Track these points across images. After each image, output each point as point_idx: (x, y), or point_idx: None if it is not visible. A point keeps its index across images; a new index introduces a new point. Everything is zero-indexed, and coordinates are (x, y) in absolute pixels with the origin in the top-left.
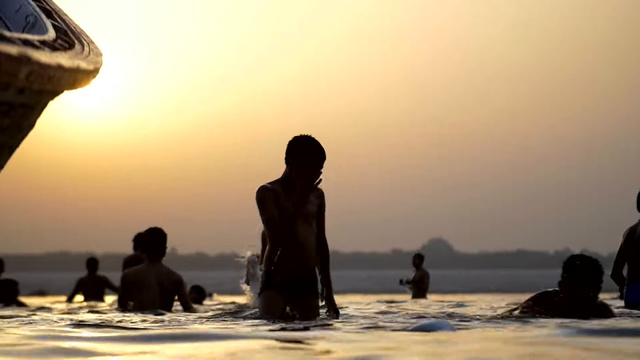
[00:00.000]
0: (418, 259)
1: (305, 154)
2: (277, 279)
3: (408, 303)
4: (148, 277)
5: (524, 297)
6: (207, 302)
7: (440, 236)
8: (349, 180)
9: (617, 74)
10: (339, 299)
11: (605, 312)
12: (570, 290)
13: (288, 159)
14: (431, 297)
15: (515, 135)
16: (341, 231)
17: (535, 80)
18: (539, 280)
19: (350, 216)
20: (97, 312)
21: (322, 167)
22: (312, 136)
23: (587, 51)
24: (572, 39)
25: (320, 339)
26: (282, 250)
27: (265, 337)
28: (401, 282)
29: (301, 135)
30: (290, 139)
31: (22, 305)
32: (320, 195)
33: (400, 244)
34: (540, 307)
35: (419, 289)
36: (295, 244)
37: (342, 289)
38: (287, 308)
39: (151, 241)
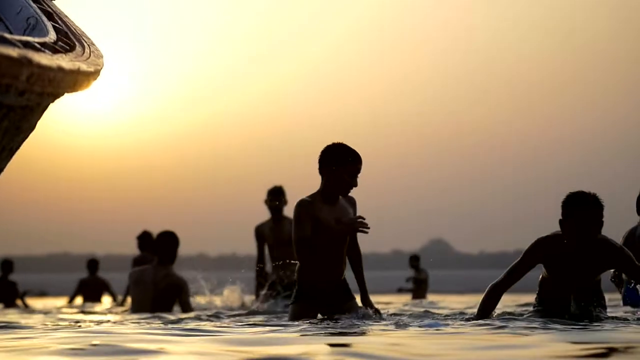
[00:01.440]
0: (415, 260)
1: (345, 163)
2: (310, 292)
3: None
4: (146, 277)
5: (523, 298)
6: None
7: (440, 236)
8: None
9: (618, 74)
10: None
11: (607, 246)
12: (573, 229)
13: (325, 169)
14: (430, 297)
15: (515, 135)
16: None
17: (536, 80)
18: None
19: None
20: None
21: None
22: (344, 143)
23: (588, 51)
24: (572, 40)
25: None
26: (317, 263)
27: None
28: (407, 281)
29: (335, 143)
30: (324, 148)
31: (26, 306)
32: (354, 203)
33: (400, 244)
34: (547, 251)
35: (420, 289)
36: (332, 257)
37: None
38: (319, 316)
39: (163, 245)
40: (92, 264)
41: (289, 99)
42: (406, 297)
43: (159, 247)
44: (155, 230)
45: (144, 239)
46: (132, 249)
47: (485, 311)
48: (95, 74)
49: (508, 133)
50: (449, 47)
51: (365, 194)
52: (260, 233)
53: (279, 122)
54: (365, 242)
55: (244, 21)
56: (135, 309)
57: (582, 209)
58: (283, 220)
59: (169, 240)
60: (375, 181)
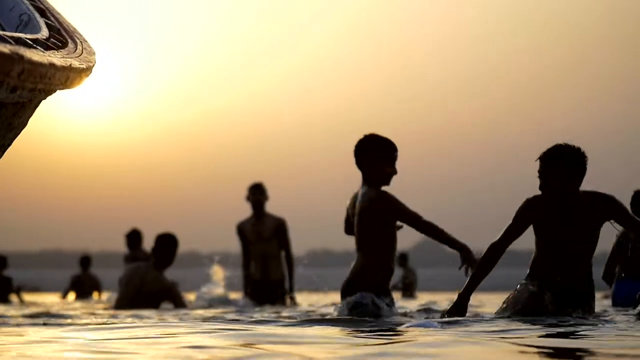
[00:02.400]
0: (403, 259)
1: (383, 153)
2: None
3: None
4: (135, 278)
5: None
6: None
7: None
8: (342, 179)
9: (613, 70)
10: (332, 297)
11: (595, 197)
12: (548, 182)
13: (363, 161)
14: (421, 296)
15: (508, 132)
16: (333, 230)
17: (533, 76)
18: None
19: (342, 215)
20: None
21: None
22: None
23: (584, 47)
24: (567, 36)
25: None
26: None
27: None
28: (394, 287)
29: (368, 135)
30: (358, 141)
31: (22, 301)
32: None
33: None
34: (535, 210)
35: (409, 287)
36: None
37: (334, 287)
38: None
39: (160, 248)
40: (85, 260)
41: (282, 98)
42: (396, 296)
43: (156, 250)
44: (147, 228)
45: (133, 237)
46: (125, 246)
47: (483, 269)
48: (87, 70)
49: (501, 130)
50: (445, 47)
51: (352, 191)
52: (242, 230)
53: (272, 121)
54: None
55: (239, 20)
56: (117, 307)
57: (550, 160)
58: (264, 216)
59: (166, 243)
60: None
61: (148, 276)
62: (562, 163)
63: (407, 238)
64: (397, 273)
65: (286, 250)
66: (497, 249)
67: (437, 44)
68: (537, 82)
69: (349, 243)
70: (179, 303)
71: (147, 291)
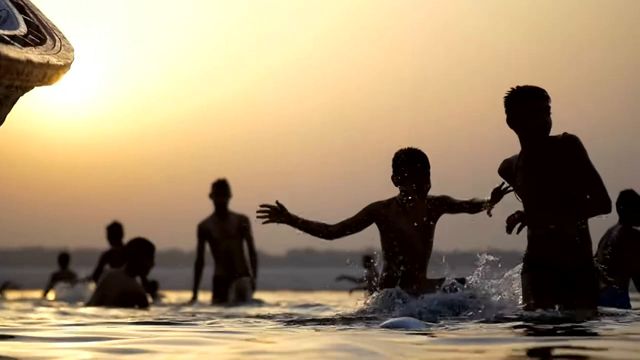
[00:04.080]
0: (368, 260)
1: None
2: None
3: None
4: (105, 286)
5: None
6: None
7: None
8: (323, 178)
9: (601, 71)
10: (311, 297)
11: (560, 139)
12: (517, 127)
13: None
14: None
15: (492, 134)
16: None
17: (521, 76)
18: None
19: (324, 214)
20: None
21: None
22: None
23: (571, 48)
24: (554, 37)
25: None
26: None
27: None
28: (359, 287)
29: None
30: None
31: (3, 297)
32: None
33: (373, 242)
34: (504, 169)
35: (374, 288)
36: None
37: (316, 287)
38: None
39: (131, 255)
40: (63, 258)
41: (264, 97)
42: (362, 294)
43: (128, 256)
44: (129, 226)
45: (114, 230)
46: (104, 243)
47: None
48: (65, 67)
49: (485, 131)
50: (428, 45)
51: (339, 192)
52: (205, 229)
53: (256, 119)
54: (339, 240)
55: (220, 18)
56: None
57: (526, 98)
58: (229, 214)
59: (138, 250)
60: (348, 179)
61: (118, 283)
62: (528, 103)
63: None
64: (333, 272)
65: (250, 247)
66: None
67: (424, 43)
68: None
69: (331, 243)
70: (142, 305)
71: (116, 298)
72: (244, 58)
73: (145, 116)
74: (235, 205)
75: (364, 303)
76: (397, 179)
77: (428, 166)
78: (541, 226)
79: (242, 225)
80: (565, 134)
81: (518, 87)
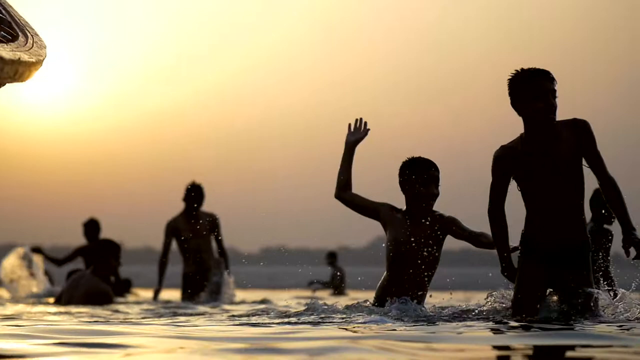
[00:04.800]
0: (332, 257)
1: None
2: None
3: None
4: (73, 287)
5: (469, 295)
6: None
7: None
8: (296, 176)
9: (581, 73)
10: (285, 294)
11: (570, 123)
12: (528, 110)
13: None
14: (356, 294)
15: (468, 134)
16: (287, 227)
17: (494, 79)
18: (486, 278)
19: (296, 212)
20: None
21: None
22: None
23: (550, 51)
24: (532, 39)
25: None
26: None
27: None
28: (316, 284)
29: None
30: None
31: None
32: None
33: (346, 240)
34: (509, 157)
35: (339, 285)
36: None
37: (289, 284)
38: None
39: (96, 255)
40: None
41: (235, 94)
42: (325, 293)
43: (94, 257)
44: (102, 222)
45: (91, 226)
46: (78, 240)
47: (498, 235)
48: (37, 64)
49: (461, 132)
50: (401, 45)
51: (311, 190)
52: (174, 227)
53: (227, 117)
54: (312, 238)
55: (195, 12)
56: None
57: (535, 79)
58: (199, 213)
59: (104, 250)
60: (322, 176)
61: (83, 284)
62: (544, 81)
63: (362, 237)
64: (322, 271)
65: (220, 245)
66: (495, 212)
67: (398, 43)
68: (499, 87)
69: (303, 240)
70: (108, 304)
71: (81, 298)
72: (222, 53)
73: (120, 113)
74: (207, 202)
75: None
76: (404, 183)
77: (436, 170)
78: (545, 212)
79: (211, 223)
80: (575, 118)
81: (522, 68)
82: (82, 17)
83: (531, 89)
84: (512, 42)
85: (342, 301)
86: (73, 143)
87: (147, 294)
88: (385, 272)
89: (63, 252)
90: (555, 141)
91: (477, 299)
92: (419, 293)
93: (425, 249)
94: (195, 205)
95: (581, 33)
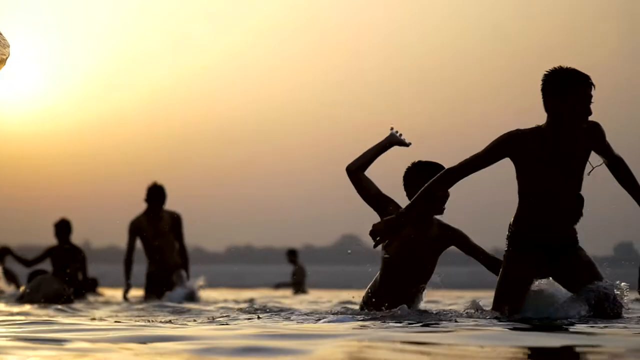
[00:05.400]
0: (293, 255)
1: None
2: None
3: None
4: (34, 289)
5: (437, 293)
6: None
7: (352, 232)
8: (260, 175)
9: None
10: (252, 294)
11: (591, 126)
12: (566, 109)
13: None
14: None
15: (428, 136)
16: (254, 226)
17: (463, 79)
18: (456, 278)
19: (262, 211)
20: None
21: None
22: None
23: (516, 53)
24: (500, 42)
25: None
26: None
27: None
28: (280, 286)
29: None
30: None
31: None
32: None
33: (312, 239)
34: (519, 145)
35: (299, 283)
36: None
37: (255, 283)
38: None
39: (56, 260)
40: (3, 252)
41: (201, 93)
42: (287, 292)
43: (53, 261)
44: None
45: (62, 226)
46: (47, 239)
47: (429, 190)
48: (0, 63)
49: (424, 133)
50: (373, 44)
51: (278, 189)
52: (137, 227)
53: (190, 116)
54: (278, 237)
55: (151, 13)
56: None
57: (580, 83)
58: (162, 212)
59: (61, 255)
60: (288, 176)
61: (44, 287)
62: (590, 87)
63: (327, 236)
64: (287, 270)
65: (181, 244)
66: (453, 176)
67: (364, 43)
68: (464, 88)
69: (270, 239)
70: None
71: (40, 297)
72: (185, 50)
73: (84, 113)
74: (173, 202)
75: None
76: (414, 186)
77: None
78: (545, 204)
79: (174, 222)
80: (593, 122)
81: (565, 67)
82: (45, 17)
83: (572, 92)
84: (479, 46)
85: (302, 299)
86: (37, 143)
87: (113, 293)
88: (379, 275)
89: (33, 251)
90: (573, 142)
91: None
92: (411, 299)
93: (427, 255)
94: (157, 205)
95: (553, 37)
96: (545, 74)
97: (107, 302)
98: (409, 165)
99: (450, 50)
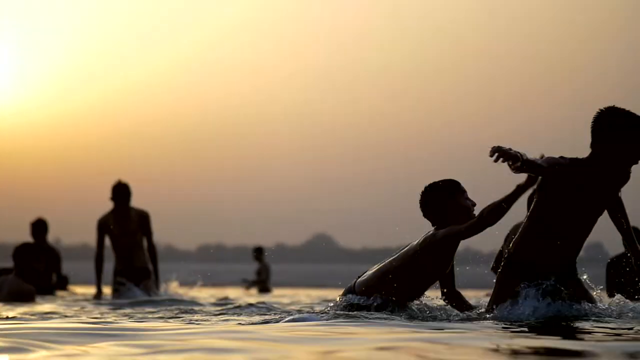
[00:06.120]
0: (259, 252)
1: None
2: None
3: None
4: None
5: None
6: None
7: (324, 231)
8: (232, 174)
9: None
10: (226, 292)
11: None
12: (618, 154)
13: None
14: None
15: (396, 133)
16: (225, 225)
17: (411, 79)
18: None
19: (234, 210)
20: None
21: None
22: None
23: (485, 56)
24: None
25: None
26: None
27: None
28: (246, 282)
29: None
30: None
31: None
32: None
33: (284, 238)
34: (571, 172)
35: (264, 281)
36: None
37: (227, 281)
38: None
39: (17, 258)
40: None
41: (167, 91)
42: (252, 292)
43: (16, 260)
44: (28, 220)
45: (38, 226)
46: (17, 237)
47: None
48: None
49: (391, 131)
50: (333, 45)
51: (249, 188)
52: (104, 225)
53: (160, 114)
54: (250, 236)
55: (120, 10)
56: None
57: (636, 127)
58: (129, 210)
59: (24, 254)
60: (259, 176)
61: (6, 287)
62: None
63: (299, 235)
64: (244, 267)
65: (149, 242)
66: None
67: (332, 42)
68: (421, 87)
69: (242, 238)
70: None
71: (4, 296)
72: (152, 49)
73: (52, 110)
74: (144, 200)
75: None
76: (443, 202)
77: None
78: (564, 236)
79: (142, 221)
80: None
81: (626, 110)
82: (9, 15)
83: (627, 136)
84: (447, 46)
85: (266, 298)
86: (4, 139)
87: (84, 290)
88: (399, 281)
89: (2, 249)
90: (610, 181)
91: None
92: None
93: (413, 261)
94: (123, 204)
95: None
96: (600, 113)
97: (77, 300)
98: (435, 185)
99: (422, 46)
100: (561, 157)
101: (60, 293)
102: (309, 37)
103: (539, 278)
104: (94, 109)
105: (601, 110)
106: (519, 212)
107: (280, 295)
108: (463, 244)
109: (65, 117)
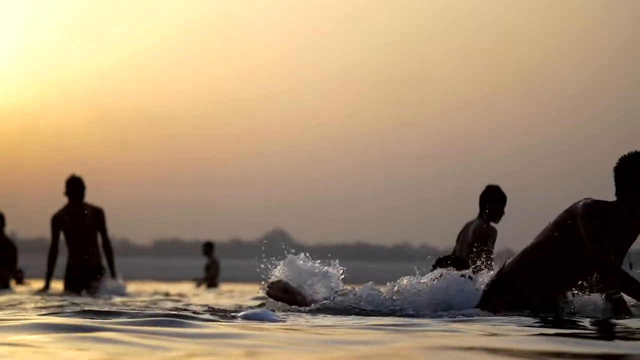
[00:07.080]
0: (209, 248)
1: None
2: None
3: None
4: None
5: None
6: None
7: (280, 227)
8: (189, 169)
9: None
10: (179, 287)
11: None
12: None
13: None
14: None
15: (352, 130)
16: (181, 220)
17: (375, 74)
18: (378, 272)
19: (190, 205)
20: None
21: None
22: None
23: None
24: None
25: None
26: None
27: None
28: (195, 280)
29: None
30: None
31: None
32: None
33: (240, 233)
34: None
35: (213, 276)
36: None
37: (182, 276)
38: None
39: None
40: None
41: (127, 81)
42: (201, 289)
43: None
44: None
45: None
46: None
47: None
48: None
49: (349, 127)
50: (302, 39)
51: (206, 183)
52: (58, 220)
53: (117, 105)
54: (206, 231)
55: (71, 4)
56: None
57: None
58: (84, 206)
59: None
60: (215, 171)
61: None
62: None
63: (256, 230)
64: (201, 263)
65: (104, 238)
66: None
67: (294, 37)
68: (384, 83)
69: (197, 233)
70: None
71: None
72: (111, 36)
73: (7, 102)
74: (99, 195)
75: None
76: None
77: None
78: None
79: (96, 216)
80: None
81: None
82: None
83: None
84: (424, 45)
85: (215, 293)
86: None
87: (40, 284)
88: None
89: None
90: (630, 231)
91: None
92: None
93: None
94: (77, 198)
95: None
96: (625, 160)
97: (27, 293)
98: (492, 190)
99: (387, 43)
100: (598, 216)
101: (17, 287)
102: (281, 30)
103: (524, 303)
104: (50, 101)
105: (625, 156)
106: (472, 210)
107: (227, 291)
108: (421, 240)
109: (21, 109)
